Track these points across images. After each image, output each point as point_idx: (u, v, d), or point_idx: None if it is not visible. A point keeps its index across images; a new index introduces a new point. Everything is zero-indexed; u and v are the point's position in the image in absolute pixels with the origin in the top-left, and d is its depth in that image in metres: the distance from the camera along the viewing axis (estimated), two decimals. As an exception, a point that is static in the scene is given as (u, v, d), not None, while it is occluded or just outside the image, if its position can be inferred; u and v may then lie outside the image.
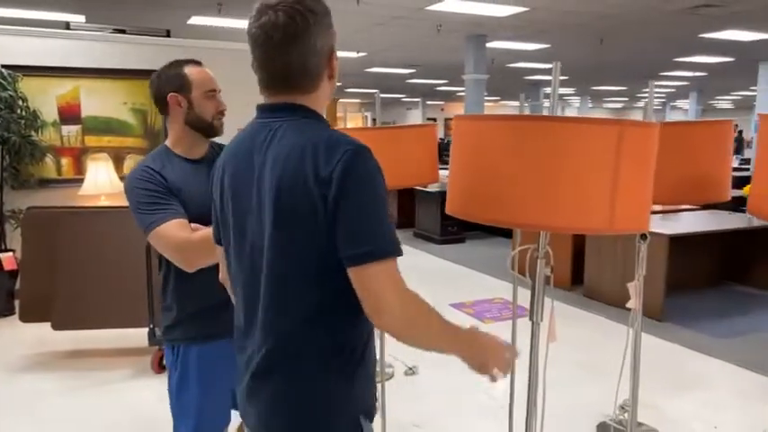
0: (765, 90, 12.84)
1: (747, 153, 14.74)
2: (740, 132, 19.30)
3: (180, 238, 1.62)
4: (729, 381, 3.60)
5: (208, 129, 1.78)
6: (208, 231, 1.53)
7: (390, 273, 1.06)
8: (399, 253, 1.07)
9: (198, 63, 1.81)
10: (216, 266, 1.50)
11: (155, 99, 1.78)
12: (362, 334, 1.17)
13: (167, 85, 1.75)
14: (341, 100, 20.06)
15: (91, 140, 5.33)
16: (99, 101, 5.31)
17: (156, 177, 1.70)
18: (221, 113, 1.80)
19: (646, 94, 22.95)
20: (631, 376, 2.93)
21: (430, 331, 1.15)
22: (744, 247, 5.70)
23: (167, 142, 1.81)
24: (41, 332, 4.01)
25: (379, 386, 1.50)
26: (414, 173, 2.25)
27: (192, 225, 1.66)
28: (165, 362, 1.86)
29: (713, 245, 5.74)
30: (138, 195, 1.68)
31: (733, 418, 3.11)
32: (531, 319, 1.44)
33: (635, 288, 1.95)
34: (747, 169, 12.01)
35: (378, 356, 1.37)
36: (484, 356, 1.21)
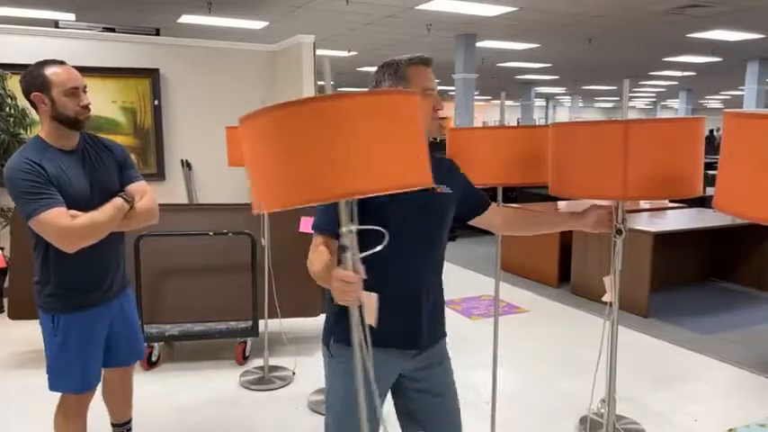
0: (752, 89, 12.98)
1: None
2: (711, 132, 19.51)
3: (63, 224, 1.90)
4: (712, 376, 3.66)
5: (72, 123, 2.01)
6: (89, 217, 1.95)
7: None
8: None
9: (61, 63, 2.03)
10: (93, 247, 1.98)
11: (25, 98, 2.01)
12: None
13: (31, 85, 1.99)
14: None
15: (80, 139, 5.33)
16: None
17: (36, 168, 1.93)
18: (85, 108, 2.02)
19: (636, 94, 23.02)
20: (607, 369, 2.98)
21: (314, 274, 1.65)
22: (729, 244, 5.78)
23: (41, 134, 2.04)
24: (30, 330, 4.01)
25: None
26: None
27: (71, 212, 1.93)
28: (42, 330, 2.14)
29: (699, 242, 5.81)
30: (19, 185, 1.91)
31: (714, 411, 3.17)
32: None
33: (610, 282, 2.00)
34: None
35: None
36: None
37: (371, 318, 1.45)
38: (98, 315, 2.15)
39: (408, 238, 1.66)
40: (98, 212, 1.99)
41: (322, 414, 3.15)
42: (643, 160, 1.72)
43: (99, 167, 2.12)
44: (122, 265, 2.28)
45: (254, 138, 1.31)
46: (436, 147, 1.85)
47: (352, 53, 12.38)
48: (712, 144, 18.73)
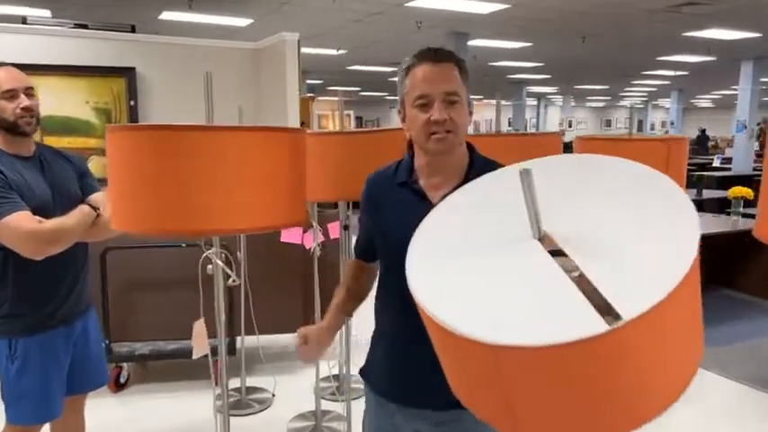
0: (746, 89, 12.83)
1: (729, 152, 14.77)
2: (703, 131, 19.45)
3: (29, 227, 1.77)
4: (718, 394, 3.45)
5: (12, 128, 1.87)
6: (57, 222, 1.81)
7: None
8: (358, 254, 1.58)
9: (1, 65, 1.90)
10: (56, 260, 1.82)
11: None
12: None
13: None
14: (319, 98, 19.80)
15: (51, 141, 5.05)
16: (58, 99, 5.03)
17: None
18: (26, 111, 1.86)
19: (628, 93, 23.05)
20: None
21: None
22: (729, 250, 5.58)
23: None
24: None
25: (344, 404, 1.62)
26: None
27: (37, 217, 1.80)
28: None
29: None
30: None
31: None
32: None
33: None
34: (729, 168, 12.00)
35: (345, 372, 1.47)
36: None
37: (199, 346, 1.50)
38: (60, 337, 1.98)
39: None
40: (65, 218, 1.86)
41: (302, 443, 2.91)
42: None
43: (59, 174, 2.00)
44: (86, 282, 2.10)
45: (117, 150, 1.23)
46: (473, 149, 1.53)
47: (341, 51, 12.14)
48: (704, 145, 18.67)
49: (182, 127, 1.13)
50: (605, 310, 0.75)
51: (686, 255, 0.78)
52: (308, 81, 14.27)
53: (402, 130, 2.10)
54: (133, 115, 5.33)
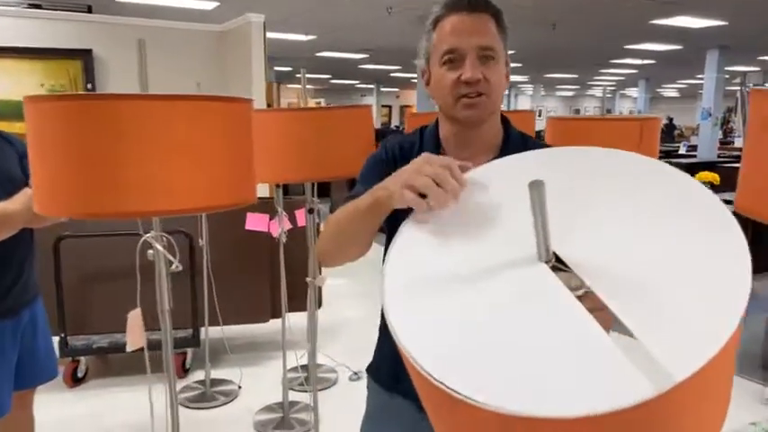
0: (711, 78, 13.03)
1: (693, 140, 15.03)
2: (671, 120, 19.83)
3: None
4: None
5: None
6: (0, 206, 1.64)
7: None
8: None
9: None
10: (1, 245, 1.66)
11: None
12: None
13: None
14: (288, 86, 19.51)
15: (2, 127, 4.82)
16: (10, 83, 4.79)
17: None
18: None
19: (597, 82, 23.24)
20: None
21: (333, 229, 1.12)
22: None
23: None
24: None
25: (314, 394, 1.42)
26: (347, 162, 1.94)
27: None
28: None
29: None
30: None
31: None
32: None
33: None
34: (695, 156, 12.20)
35: (315, 361, 1.30)
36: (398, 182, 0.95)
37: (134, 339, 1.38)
38: (7, 329, 1.85)
39: None
40: (8, 202, 1.72)
41: (268, 436, 2.82)
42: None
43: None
44: (32, 270, 1.97)
45: (35, 124, 1.10)
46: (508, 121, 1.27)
47: (309, 37, 11.93)
48: (671, 133, 19.00)
49: (105, 96, 1.04)
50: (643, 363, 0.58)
51: (737, 293, 0.63)
52: (277, 68, 14.02)
53: (369, 107, 2.02)
54: (92, 100, 5.12)
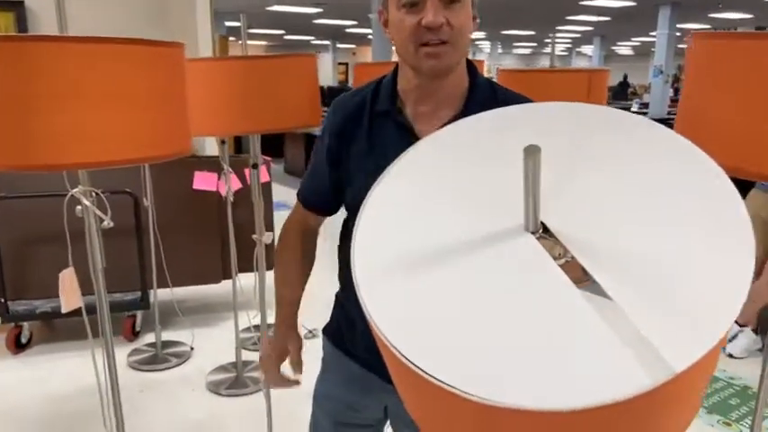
0: (663, 35, 13.21)
1: (646, 98, 15.32)
2: (625, 77, 20.17)
3: None
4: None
5: None
6: None
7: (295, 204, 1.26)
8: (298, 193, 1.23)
9: None
10: None
11: None
12: None
13: None
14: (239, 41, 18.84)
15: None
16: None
17: None
18: None
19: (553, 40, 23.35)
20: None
21: (275, 273, 1.31)
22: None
23: None
24: None
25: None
26: (290, 114, 1.87)
27: None
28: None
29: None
30: None
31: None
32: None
33: None
34: (646, 113, 12.46)
35: (266, 320, 1.34)
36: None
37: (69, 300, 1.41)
38: None
39: None
40: None
41: (221, 395, 2.80)
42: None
43: None
44: None
45: None
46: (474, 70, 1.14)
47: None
48: (624, 91, 19.31)
49: (13, 37, 0.95)
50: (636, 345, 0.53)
51: (739, 281, 0.56)
52: (227, 23, 13.52)
53: (314, 56, 1.94)
54: (26, 54, 4.83)
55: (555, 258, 0.63)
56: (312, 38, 23.25)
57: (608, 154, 0.73)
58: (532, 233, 0.66)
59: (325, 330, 1.35)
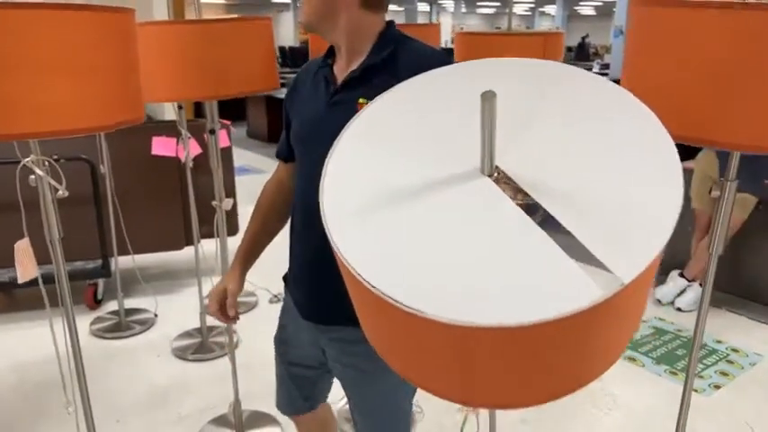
0: (625, -6, 13.27)
1: (607, 58, 15.45)
2: (584, 38, 20.31)
3: None
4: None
5: None
6: None
7: None
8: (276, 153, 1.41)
9: None
10: None
11: None
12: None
13: None
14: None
15: None
16: None
17: None
18: None
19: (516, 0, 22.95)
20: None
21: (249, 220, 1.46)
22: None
23: None
24: None
25: (239, 320, 1.49)
26: (245, 78, 1.86)
27: None
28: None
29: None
30: None
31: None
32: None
33: None
34: (607, 74, 12.59)
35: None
36: None
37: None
38: None
39: (304, 168, 1.27)
40: None
41: (188, 360, 2.82)
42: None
43: None
44: None
45: None
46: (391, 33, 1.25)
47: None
48: (585, 51, 19.44)
49: None
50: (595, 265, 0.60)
51: (671, 202, 0.64)
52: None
53: (269, 19, 1.91)
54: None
55: (532, 215, 0.68)
56: (273, -4, 22.62)
57: (556, 104, 0.80)
58: (489, 176, 0.71)
59: (283, 277, 1.44)
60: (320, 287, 1.24)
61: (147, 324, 3.14)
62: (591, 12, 30.49)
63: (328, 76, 1.21)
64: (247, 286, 3.41)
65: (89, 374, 1.79)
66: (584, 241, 0.62)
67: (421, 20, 24.13)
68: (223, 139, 3.06)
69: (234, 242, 2.65)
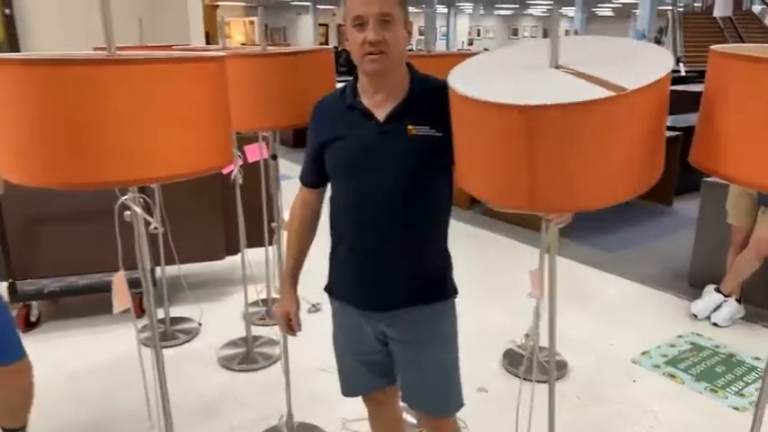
0: (647, -2, 13.21)
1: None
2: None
3: None
4: (621, 295, 3.75)
5: None
6: None
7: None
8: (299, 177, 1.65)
9: None
10: None
11: None
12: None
13: None
14: (221, 3, 18.40)
15: None
16: None
17: None
18: None
19: (535, 1, 23.04)
20: (535, 310, 2.91)
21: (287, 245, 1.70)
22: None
23: None
24: None
25: (278, 328, 1.79)
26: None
27: None
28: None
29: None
30: None
31: (626, 333, 3.24)
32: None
33: (534, 277, 1.85)
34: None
35: (276, 295, 1.54)
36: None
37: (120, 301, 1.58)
38: None
39: (360, 187, 1.50)
40: None
41: (234, 370, 2.90)
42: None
43: None
44: None
45: (4, 87, 1.02)
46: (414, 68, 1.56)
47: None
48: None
49: (80, 61, 0.97)
50: (615, 89, 1.05)
51: (665, 66, 1.13)
52: (219, 2, 13.16)
53: (330, 51, 1.99)
54: (9, 25, 4.74)
55: (579, 76, 1.16)
56: (292, -1, 22.74)
57: (601, 46, 1.38)
58: (555, 68, 1.22)
59: (325, 288, 1.69)
60: (384, 281, 1.52)
61: (191, 333, 3.23)
62: (609, 13, 30.28)
63: (365, 110, 1.46)
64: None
65: (140, 384, 1.87)
66: (609, 79, 1.09)
67: (439, 21, 24.15)
68: (264, 151, 3.14)
69: (275, 251, 2.69)
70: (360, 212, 1.49)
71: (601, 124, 1.03)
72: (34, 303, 3.28)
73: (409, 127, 1.42)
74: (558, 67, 1.20)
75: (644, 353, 3.01)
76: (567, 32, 29.89)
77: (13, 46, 4.83)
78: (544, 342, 3.00)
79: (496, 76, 1.29)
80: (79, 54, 1.09)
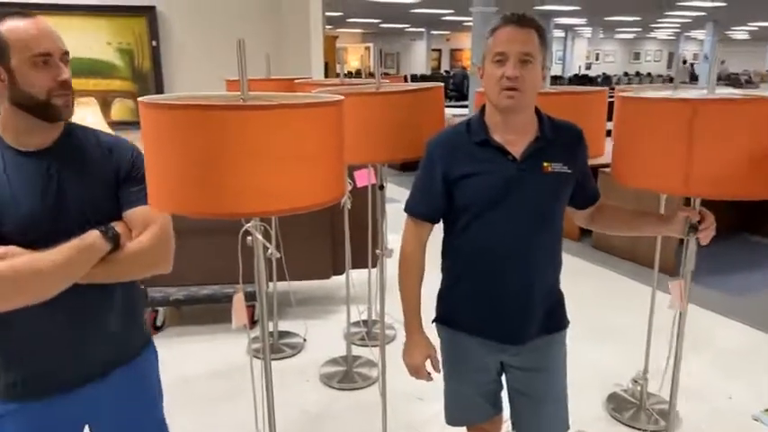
0: (788, 22, 12.18)
1: (765, 87, 14.23)
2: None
3: None
4: (744, 344, 3.47)
5: (42, 109, 1.26)
6: (27, 260, 1.19)
7: (407, 224, 1.65)
8: (410, 212, 1.63)
9: (25, 14, 1.26)
10: (39, 304, 1.21)
11: None
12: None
13: None
14: (340, 30, 19.26)
15: (76, 84, 5.01)
16: (78, 40, 4.96)
17: None
18: (62, 86, 1.26)
19: (660, 24, 22.07)
20: (646, 349, 2.78)
21: (400, 287, 1.66)
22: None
23: None
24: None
25: (377, 350, 1.82)
26: (420, 143, 2.01)
27: (2, 248, 1.21)
28: None
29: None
30: None
31: (748, 386, 2.99)
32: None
33: (679, 288, 1.77)
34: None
35: (377, 317, 1.58)
36: (405, 352, 1.69)
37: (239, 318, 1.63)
38: (62, 408, 1.40)
39: (500, 222, 1.53)
40: (47, 254, 1.22)
41: (334, 388, 3.01)
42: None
43: (78, 178, 1.34)
44: (119, 323, 1.51)
45: (152, 127, 1.19)
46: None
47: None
48: (739, 83, 18.02)
49: (219, 107, 1.10)
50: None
51: None
52: (327, 13, 13.84)
53: (441, 88, 2.06)
54: (156, 56, 5.25)
55: None
56: (407, 26, 23.30)
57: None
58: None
59: (438, 320, 1.70)
60: (529, 314, 1.57)
61: (296, 348, 3.39)
62: (745, 36, 28.20)
63: (500, 147, 1.50)
64: (387, 319, 3.56)
65: (246, 393, 1.98)
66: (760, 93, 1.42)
67: (556, 46, 23.68)
68: (372, 176, 3.26)
69: (377, 274, 2.77)
70: (502, 248, 1.51)
71: (752, 120, 1.25)
72: (161, 309, 3.59)
73: (544, 164, 1.50)
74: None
75: (767, 410, 2.77)
76: (695, 56, 28.19)
77: (158, 75, 5.37)
78: (652, 388, 2.85)
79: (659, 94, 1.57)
80: (217, 99, 1.23)
